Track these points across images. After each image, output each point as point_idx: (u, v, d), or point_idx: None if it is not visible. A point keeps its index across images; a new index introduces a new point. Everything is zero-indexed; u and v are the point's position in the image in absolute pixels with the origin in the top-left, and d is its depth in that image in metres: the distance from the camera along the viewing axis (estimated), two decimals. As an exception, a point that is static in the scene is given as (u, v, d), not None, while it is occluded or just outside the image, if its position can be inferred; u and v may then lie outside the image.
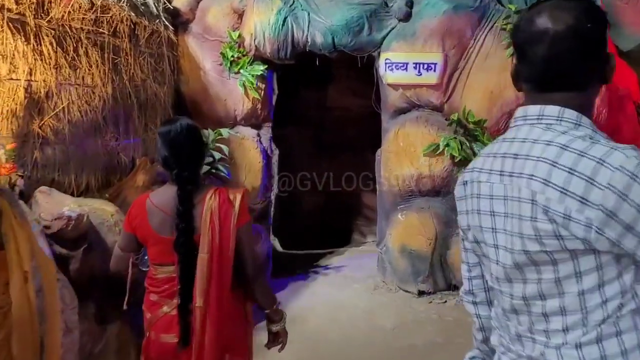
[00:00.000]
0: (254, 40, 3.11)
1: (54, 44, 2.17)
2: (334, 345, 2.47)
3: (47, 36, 2.14)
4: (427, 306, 2.96)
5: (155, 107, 2.76)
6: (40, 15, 2.11)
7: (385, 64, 3.06)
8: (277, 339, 1.31)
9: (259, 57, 3.18)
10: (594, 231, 0.56)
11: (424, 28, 3.00)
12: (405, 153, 3.11)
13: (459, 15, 2.96)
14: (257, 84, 3.16)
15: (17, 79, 2.05)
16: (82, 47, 2.29)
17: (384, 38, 3.12)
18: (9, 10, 1.98)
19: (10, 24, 2.00)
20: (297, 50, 3.14)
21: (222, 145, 2.94)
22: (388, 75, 3.08)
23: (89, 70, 2.33)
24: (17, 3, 2.00)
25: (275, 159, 3.51)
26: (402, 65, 3.01)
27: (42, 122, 2.14)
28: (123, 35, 2.52)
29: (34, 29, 2.09)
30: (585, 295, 0.59)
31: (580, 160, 0.57)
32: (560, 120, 0.63)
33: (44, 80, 2.14)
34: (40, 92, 2.14)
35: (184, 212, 1.16)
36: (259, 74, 3.13)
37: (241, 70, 3.14)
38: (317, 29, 3.07)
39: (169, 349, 1.18)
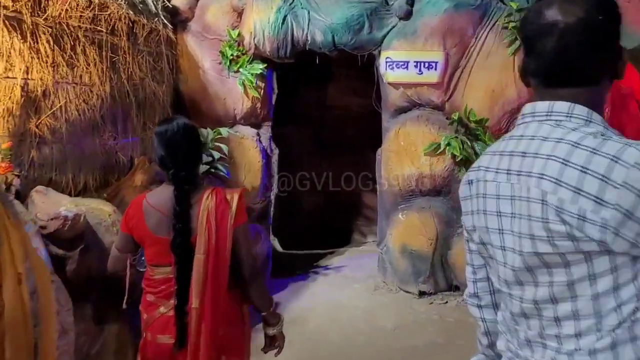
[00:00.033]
0: (254, 38, 3.08)
1: (51, 42, 2.15)
2: (334, 346, 2.45)
3: (44, 34, 2.12)
4: (428, 307, 2.94)
5: (153, 106, 2.74)
6: (37, 13, 2.08)
7: (386, 62, 3.04)
8: (273, 342, 1.29)
9: (258, 56, 3.16)
10: (611, 232, 0.54)
11: (425, 26, 2.98)
12: (406, 152, 3.09)
13: (460, 13, 2.94)
14: (256, 83, 3.14)
15: (13, 78, 2.03)
16: (79, 46, 2.26)
17: (384, 36, 3.10)
18: (5, 7, 1.96)
19: (6, 21, 1.98)
20: (297, 49, 3.12)
21: (221, 145, 2.92)
22: (389, 74, 3.05)
23: (86, 68, 2.30)
24: (13, 1, 1.98)
25: (275, 158, 3.49)
26: (402, 63, 2.99)
27: (39, 121, 2.12)
28: (121, 34, 2.49)
29: (31, 27, 2.06)
30: (599, 298, 0.57)
31: (593, 157, 0.55)
32: (571, 116, 0.61)
33: (41, 79, 2.12)
34: (37, 90, 2.11)
35: (181, 212, 1.15)
36: (258, 72, 3.11)
37: (240, 69, 3.11)
38: (317, 27, 3.05)
39: (166, 350, 1.18)
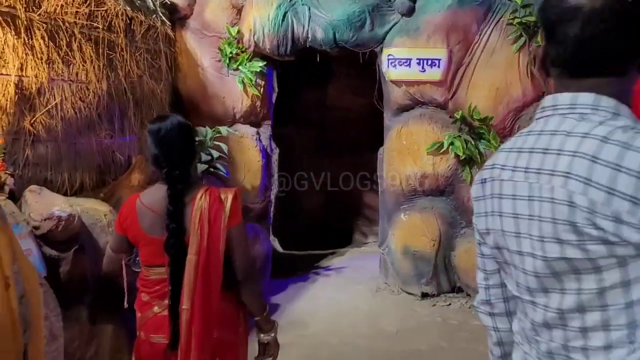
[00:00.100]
0: (253, 36, 3.04)
1: (46, 39, 2.10)
2: (335, 350, 2.41)
3: (39, 30, 2.07)
4: (430, 309, 2.89)
5: (151, 105, 2.69)
6: (32, 9, 2.04)
7: (388, 60, 2.99)
8: (267, 351, 1.24)
9: (258, 54, 3.12)
10: None
11: (428, 23, 2.93)
12: (408, 151, 3.04)
13: (464, 9, 2.88)
14: (256, 81, 3.09)
15: (7, 74, 1.98)
16: (75, 42, 2.22)
17: (386, 33, 3.05)
18: (-1, 2, 1.92)
19: (0, 17, 1.93)
20: (298, 46, 3.07)
21: (220, 144, 2.87)
22: (391, 72, 3.01)
23: (82, 65, 2.26)
24: (7, -5, 1.93)
25: (275, 157, 3.45)
26: (405, 61, 2.94)
27: (34, 118, 2.08)
28: (118, 30, 2.45)
29: (25, 23, 2.02)
30: (633, 307, 0.52)
31: (626, 153, 0.50)
32: (596, 109, 0.55)
33: (36, 76, 2.07)
34: (31, 87, 2.07)
35: (174, 212, 1.12)
36: (258, 70, 3.07)
37: (240, 67, 3.07)
38: (317, 24, 3.00)
39: (159, 350, 1.16)
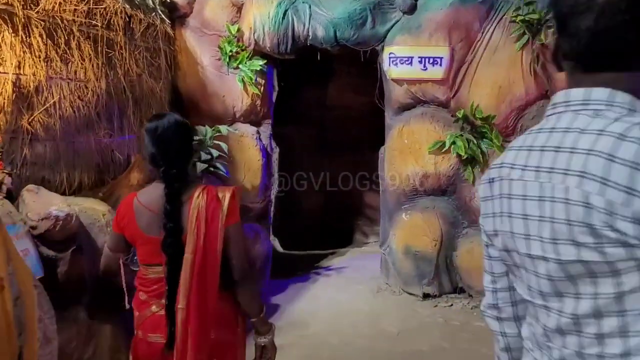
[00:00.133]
0: (254, 34, 3.02)
1: (44, 36, 2.08)
2: (335, 351, 2.39)
3: (37, 28, 2.05)
4: (432, 310, 2.87)
5: (151, 104, 2.67)
6: (30, 6, 2.02)
7: (389, 58, 2.96)
8: (264, 354, 1.22)
9: (258, 52, 3.10)
10: None
11: (430, 21, 2.90)
12: (409, 151, 3.02)
13: (466, 7, 2.86)
14: (256, 80, 3.07)
15: (4, 73, 1.96)
16: (74, 40, 2.20)
17: (388, 31, 3.03)
18: (-4, 0, 1.89)
19: (-3, 14, 1.91)
20: (298, 45, 3.04)
21: (220, 143, 2.85)
22: (392, 70, 2.98)
23: (81, 64, 2.23)
24: (4, -8, 1.91)
25: (275, 157, 3.42)
26: (406, 59, 2.91)
27: (32, 117, 2.05)
28: (117, 28, 2.43)
29: (23, 20, 2.00)
30: None
31: None
32: (611, 105, 0.53)
33: (34, 74, 2.05)
34: (29, 86, 2.05)
35: (171, 211, 1.11)
36: (258, 69, 3.04)
37: (240, 66, 3.04)
38: (318, 22, 2.97)
39: (157, 349, 1.15)
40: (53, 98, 2.11)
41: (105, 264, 1.28)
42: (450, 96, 2.99)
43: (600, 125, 0.52)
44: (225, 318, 1.18)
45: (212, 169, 2.80)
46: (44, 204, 1.73)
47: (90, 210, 1.93)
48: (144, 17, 2.63)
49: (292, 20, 2.97)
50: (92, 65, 2.28)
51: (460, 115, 2.87)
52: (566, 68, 0.58)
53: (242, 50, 3.06)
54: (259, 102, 3.18)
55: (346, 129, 4.30)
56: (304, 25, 2.98)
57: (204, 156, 2.77)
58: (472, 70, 2.92)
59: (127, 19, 2.50)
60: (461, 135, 2.86)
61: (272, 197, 3.39)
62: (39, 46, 2.06)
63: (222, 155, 2.85)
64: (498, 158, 0.65)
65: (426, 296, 2.98)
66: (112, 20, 2.39)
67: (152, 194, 1.16)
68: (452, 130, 2.92)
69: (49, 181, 2.08)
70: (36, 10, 2.03)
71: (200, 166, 2.72)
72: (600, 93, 0.54)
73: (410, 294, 3.03)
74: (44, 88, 2.09)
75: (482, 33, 2.88)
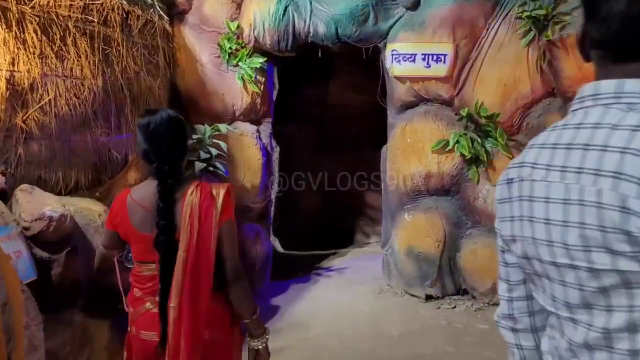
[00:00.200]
0: (253, 31, 2.97)
1: (39, 32, 2.03)
2: (336, 353, 2.34)
3: (31, 23, 2.01)
4: (435, 312, 2.82)
5: (149, 102, 2.63)
6: (24, 1, 1.97)
7: (392, 55, 2.91)
8: (257, 359, 1.17)
9: (258, 49, 3.05)
10: None
11: (434, 17, 2.84)
12: (412, 150, 2.97)
13: (471, 2, 2.80)
14: (256, 77, 3.02)
15: (-2, 69, 1.92)
16: (69, 37, 2.15)
17: (390, 28, 2.97)
18: (-11, -6, 1.85)
19: (-10, 9, 1.87)
20: (299, 42, 3.00)
21: (219, 142, 2.80)
22: (395, 68, 2.93)
23: (77, 61, 2.19)
24: (-3, -13, 1.87)
25: (275, 156, 3.37)
26: (409, 56, 2.86)
27: (26, 115, 2.01)
28: (114, 25, 2.38)
29: (17, 16, 1.95)
30: None
31: None
32: None
33: (28, 71, 2.01)
34: (23, 83, 2.00)
35: (164, 208, 1.08)
36: (258, 66, 2.99)
37: (240, 63, 3.00)
38: (319, 18, 2.92)
39: (150, 346, 1.12)
40: (48, 95, 2.07)
41: (100, 261, 1.26)
42: (454, 94, 2.93)
43: (635, 120, 0.47)
44: (219, 318, 1.15)
45: (211, 168, 2.75)
46: (37, 204, 1.69)
47: (86, 210, 1.89)
48: (142, 14, 2.58)
49: (293, 16, 2.92)
50: (89, 63, 2.23)
51: (464, 114, 2.81)
52: (594, 57, 0.53)
53: (242, 47, 3.01)
54: (259, 100, 3.13)
55: (347, 128, 4.26)
56: (304, 22, 2.93)
57: (203, 155, 2.72)
58: (476, 67, 2.87)
59: (125, 15, 2.46)
60: (465, 134, 2.81)
61: (273, 196, 3.34)
62: (33, 42, 2.02)
63: (222, 155, 2.81)
64: (517, 157, 0.60)
65: (429, 298, 2.93)
66: (109, 17, 2.34)
67: (145, 191, 1.13)
68: (456, 128, 2.87)
69: (45, 181, 2.04)
70: (30, 5, 1.98)
71: (199, 165, 2.67)
72: (634, 85, 0.49)
73: (413, 295, 2.99)
74: (39, 85, 2.04)
75: (487, 29, 2.83)
